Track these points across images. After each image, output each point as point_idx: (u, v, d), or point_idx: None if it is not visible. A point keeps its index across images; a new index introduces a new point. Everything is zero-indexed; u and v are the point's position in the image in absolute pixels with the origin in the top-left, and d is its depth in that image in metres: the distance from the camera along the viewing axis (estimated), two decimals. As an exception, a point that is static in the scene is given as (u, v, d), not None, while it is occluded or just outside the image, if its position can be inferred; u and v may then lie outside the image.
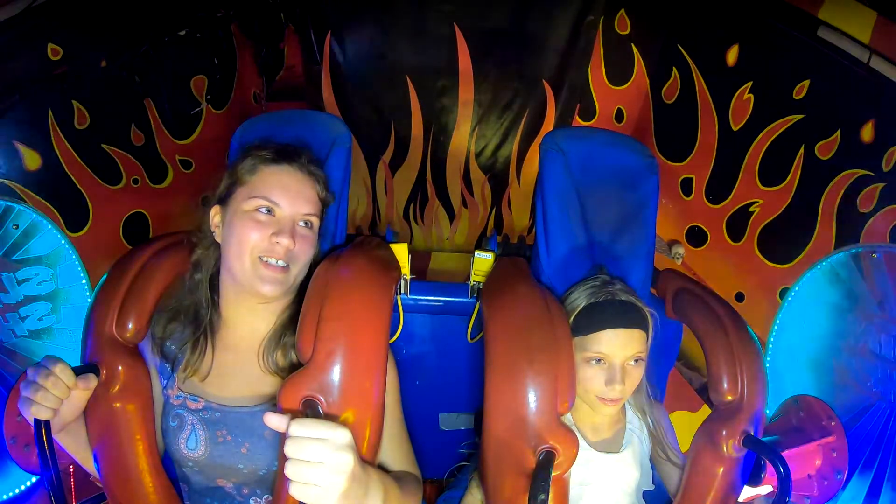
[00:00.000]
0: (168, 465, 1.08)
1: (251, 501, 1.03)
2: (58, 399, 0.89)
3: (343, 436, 0.72)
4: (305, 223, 1.02)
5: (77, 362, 1.01)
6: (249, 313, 1.04)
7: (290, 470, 0.71)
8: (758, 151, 1.67)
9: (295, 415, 0.82)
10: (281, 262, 0.97)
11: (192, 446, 1.01)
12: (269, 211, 0.99)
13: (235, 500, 1.03)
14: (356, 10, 2.23)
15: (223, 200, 1.03)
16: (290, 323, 1.02)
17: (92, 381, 0.96)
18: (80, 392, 0.95)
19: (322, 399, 0.83)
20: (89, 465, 1.06)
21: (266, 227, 0.97)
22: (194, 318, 1.05)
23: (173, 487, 1.07)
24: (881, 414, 1.22)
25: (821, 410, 1.30)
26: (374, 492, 0.80)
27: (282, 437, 0.73)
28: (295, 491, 0.71)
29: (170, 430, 1.03)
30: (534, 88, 2.33)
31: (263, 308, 1.03)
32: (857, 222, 1.38)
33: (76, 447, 1.04)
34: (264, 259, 0.97)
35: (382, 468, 1.00)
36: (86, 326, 1.06)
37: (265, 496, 1.02)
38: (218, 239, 1.03)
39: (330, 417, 0.82)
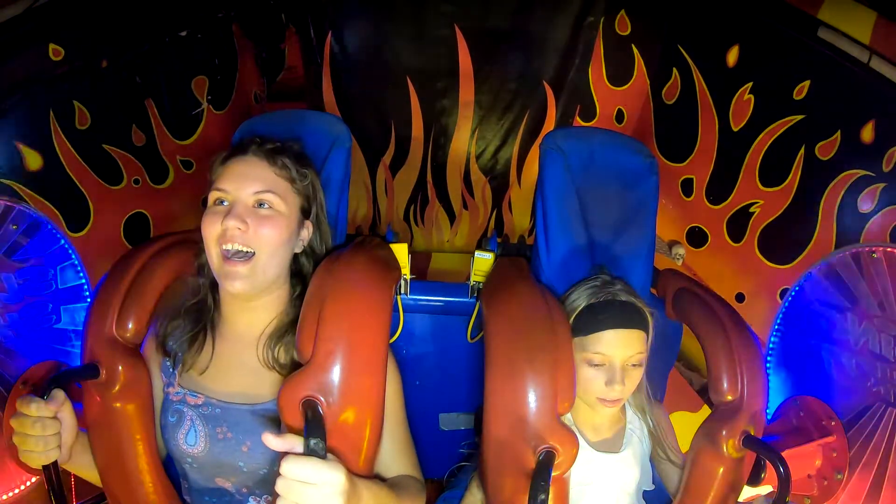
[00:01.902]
0: (168, 464, 1.09)
1: (251, 500, 1.03)
2: (55, 437, 0.89)
3: (336, 481, 0.72)
4: (261, 203, 0.99)
5: (77, 363, 1.01)
6: (245, 311, 1.04)
7: None
8: (758, 152, 1.67)
9: (291, 414, 0.82)
10: (237, 247, 0.95)
11: (192, 442, 1.01)
12: (223, 202, 0.99)
13: (235, 498, 1.03)
14: (356, 10, 2.23)
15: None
16: (295, 322, 1.02)
17: (59, 395, 0.92)
18: (63, 413, 0.92)
19: (322, 399, 0.83)
20: (94, 476, 1.06)
21: (219, 216, 0.97)
22: (196, 316, 1.06)
23: (173, 487, 1.07)
24: (881, 414, 1.22)
25: (821, 410, 1.30)
26: None
27: (279, 457, 0.74)
28: None
29: (168, 426, 1.03)
30: (534, 89, 2.33)
31: (261, 303, 1.03)
32: (857, 222, 1.38)
33: (83, 471, 1.04)
34: (224, 249, 0.96)
35: (384, 471, 1.01)
36: (86, 326, 1.06)
37: (265, 496, 1.02)
38: None
39: (330, 417, 0.82)
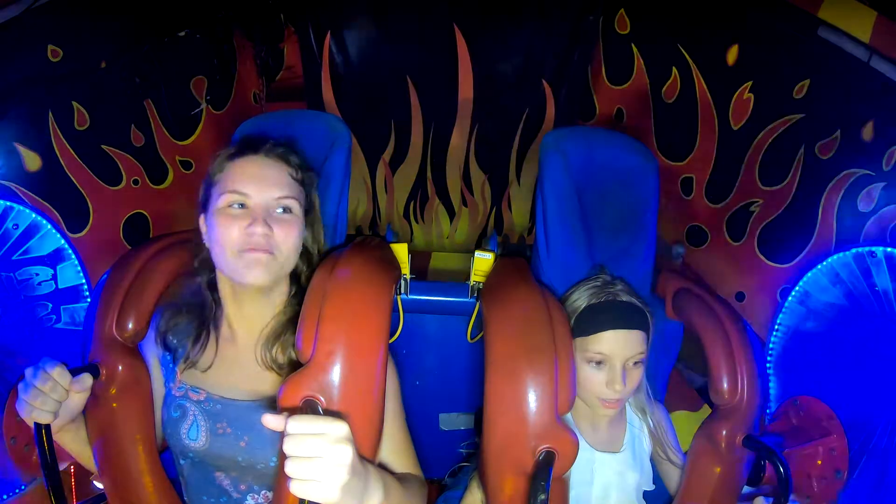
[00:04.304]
0: (167, 464, 1.09)
1: (248, 498, 1.04)
2: (56, 403, 0.90)
3: (340, 429, 0.72)
4: (283, 209, 0.99)
5: (77, 363, 1.01)
6: (247, 309, 1.04)
7: (289, 468, 0.70)
8: (758, 151, 1.66)
9: (293, 413, 0.82)
10: (261, 256, 0.95)
11: (194, 436, 1.02)
12: (241, 205, 0.97)
13: (232, 496, 1.04)
14: (356, 10, 2.23)
15: (204, 208, 1.02)
16: (291, 322, 1.02)
17: (88, 382, 0.96)
18: (78, 393, 0.95)
19: (322, 399, 0.83)
20: (89, 464, 1.07)
21: (241, 220, 0.95)
22: (199, 314, 1.06)
23: (173, 487, 1.08)
24: (881, 414, 1.22)
25: (821, 410, 1.30)
26: (373, 486, 0.81)
27: (281, 435, 0.74)
28: (296, 488, 0.70)
29: (171, 421, 1.04)
30: (533, 88, 2.33)
31: (261, 303, 1.03)
32: (858, 222, 1.38)
33: (76, 446, 1.05)
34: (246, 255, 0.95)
35: (384, 469, 1.01)
36: (86, 326, 1.06)
37: (262, 492, 1.03)
38: (208, 245, 1.02)
39: (330, 416, 0.82)
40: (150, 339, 1.09)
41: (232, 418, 1.01)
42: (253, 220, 0.94)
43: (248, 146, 1.02)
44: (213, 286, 1.07)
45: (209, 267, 1.05)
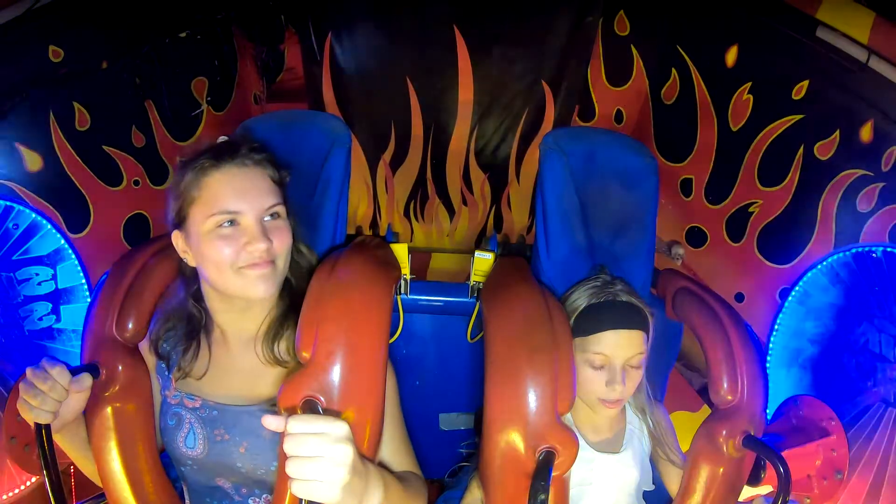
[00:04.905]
0: (167, 464, 1.09)
1: (250, 501, 1.03)
2: (56, 402, 0.89)
3: (341, 428, 0.72)
4: (272, 216, 0.97)
5: (77, 363, 1.01)
6: (243, 315, 1.03)
7: (290, 468, 0.70)
8: (757, 151, 1.67)
9: (293, 413, 0.82)
10: (263, 270, 0.94)
11: (191, 444, 1.01)
12: (231, 222, 0.93)
13: (234, 500, 1.04)
14: (356, 10, 2.24)
15: (179, 225, 0.98)
16: (285, 315, 1.01)
17: (87, 382, 0.95)
18: (78, 393, 0.95)
19: (322, 399, 0.83)
20: (87, 468, 1.06)
21: (236, 240, 0.92)
22: (188, 322, 1.05)
23: (173, 487, 1.08)
24: (881, 414, 1.23)
25: (821, 410, 1.30)
26: (374, 485, 0.80)
27: (281, 437, 0.74)
28: (297, 489, 0.70)
29: (168, 429, 1.03)
30: (533, 89, 2.33)
31: (258, 306, 1.02)
32: (857, 222, 1.38)
33: (73, 449, 1.04)
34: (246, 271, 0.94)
35: (384, 469, 1.01)
36: (85, 326, 1.06)
37: (264, 495, 1.02)
38: (191, 263, 0.99)
39: (330, 415, 0.82)
40: (144, 348, 1.08)
41: (230, 424, 1.00)
42: (252, 238, 0.92)
43: (223, 154, 0.95)
44: (197, 296, 1.04)
45: (192, 279, 1.04)
